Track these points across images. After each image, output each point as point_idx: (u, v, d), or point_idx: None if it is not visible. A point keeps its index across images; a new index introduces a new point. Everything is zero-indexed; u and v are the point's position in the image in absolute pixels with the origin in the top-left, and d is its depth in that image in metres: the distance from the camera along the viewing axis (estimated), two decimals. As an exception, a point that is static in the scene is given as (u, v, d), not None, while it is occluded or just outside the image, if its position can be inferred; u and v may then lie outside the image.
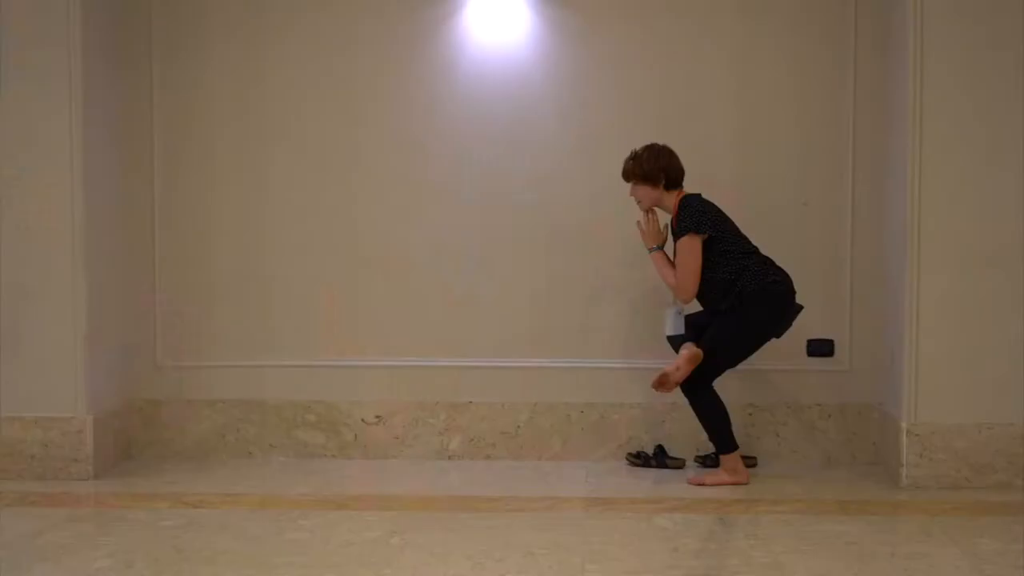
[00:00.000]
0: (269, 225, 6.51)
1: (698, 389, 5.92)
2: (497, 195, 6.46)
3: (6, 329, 5.98)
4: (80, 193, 5.93)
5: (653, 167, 5.90)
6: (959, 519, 5.26)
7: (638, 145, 5.95)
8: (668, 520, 5.28)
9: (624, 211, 6.14)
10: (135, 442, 6.51)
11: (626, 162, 5.96)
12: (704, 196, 5.91)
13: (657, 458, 6.26)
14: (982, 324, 5.79)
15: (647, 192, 5.94)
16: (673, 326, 6.00)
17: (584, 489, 5.86)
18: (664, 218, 6.05)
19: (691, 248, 5.82)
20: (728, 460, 5.94)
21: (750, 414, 6.37)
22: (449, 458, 6.48)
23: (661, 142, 5.93)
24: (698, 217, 5.82)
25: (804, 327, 6.14)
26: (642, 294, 6.40)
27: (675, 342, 6.00)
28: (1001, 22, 5.72)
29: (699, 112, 6.34)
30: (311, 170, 6.49)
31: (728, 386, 6.10)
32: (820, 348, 6.36)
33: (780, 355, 6.26)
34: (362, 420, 6.49)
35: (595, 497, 5.70)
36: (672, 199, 5.93)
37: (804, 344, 6.34)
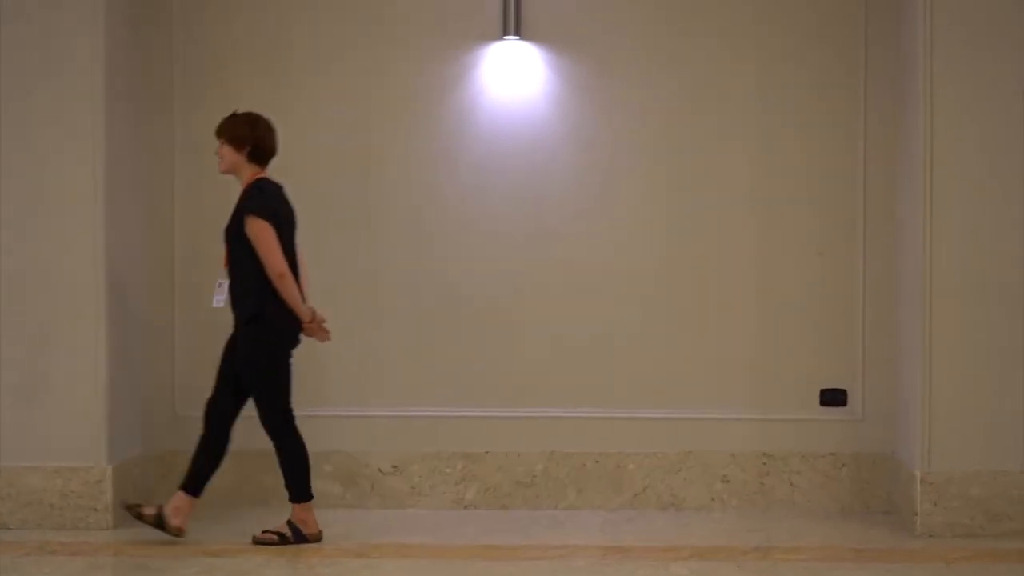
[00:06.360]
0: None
1: (282, 435, 5.81)
2: (512, 246, 6.54)
3: (28, 379, 6.03)
4: (102, 243, 6.02)
5: (244, 132, 5.74)
6: (974, 566, 5.30)
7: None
8: (685, 568, 5.31)
9: (641, 263, 6.24)
10: (154, 492, 6.52)
11: (223, 119, 5.80)
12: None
13: (295, 534, 5.76)
14: (995, 372, 5.83)
15: (229, 153, 5.77)
16: (217, 300, 5.87)
17: (601, 537, 5.90)
18: None
19: (261, 226, 5.64)
20: (300, 510, 5.79)
21: (764, 463, 6.40)
22: (466, 507, 6.50)
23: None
24: (267, 202, 5.69)
25: (817, 377, 6.19)
26: (657, 344, 6.45)
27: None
28: (1011, 63, 5.80)
29: (713, 164, 6.40)
30: (328, 220, 6.56)
31: (739, 436, 6.16)
32: (833, 398, 6.40)
33: (793, 405, 6.31)
34: (379, 470, 6.52)
35: (612, 545, 5.73)
36: (248, 173, 5.77)
37: (817, 394, 6.39)
